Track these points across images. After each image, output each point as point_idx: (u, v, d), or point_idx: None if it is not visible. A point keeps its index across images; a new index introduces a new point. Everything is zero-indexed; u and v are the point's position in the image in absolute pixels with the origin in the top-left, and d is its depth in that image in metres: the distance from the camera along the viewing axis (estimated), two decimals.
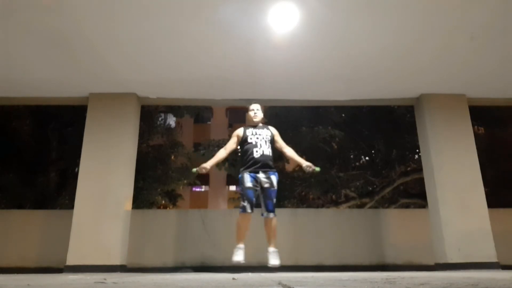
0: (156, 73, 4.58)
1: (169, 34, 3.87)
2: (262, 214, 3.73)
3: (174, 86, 4.93)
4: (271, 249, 3.69)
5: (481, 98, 5.17)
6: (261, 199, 3.74)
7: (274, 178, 3.76)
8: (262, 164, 3.74)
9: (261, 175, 3.71)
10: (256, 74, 4.64)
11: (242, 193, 3.71)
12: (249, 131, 3.92)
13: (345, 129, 9.46)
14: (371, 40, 3.99)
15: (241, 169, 3.83)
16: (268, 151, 3.81)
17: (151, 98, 5.14)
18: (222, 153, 3.93)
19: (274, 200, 3.73)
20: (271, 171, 3.77)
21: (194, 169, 3.83)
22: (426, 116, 4.98)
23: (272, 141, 3.94)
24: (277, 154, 4.20)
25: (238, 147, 4.01)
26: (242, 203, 3.66)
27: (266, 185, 3.70)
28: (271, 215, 3.70)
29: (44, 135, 9.09)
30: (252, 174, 3.71)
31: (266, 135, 3.90)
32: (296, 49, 4.14)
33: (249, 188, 3.66)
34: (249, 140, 3.85)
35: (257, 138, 3.86)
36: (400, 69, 4.55)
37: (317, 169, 3.81)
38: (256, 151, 3.77)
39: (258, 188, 3.71)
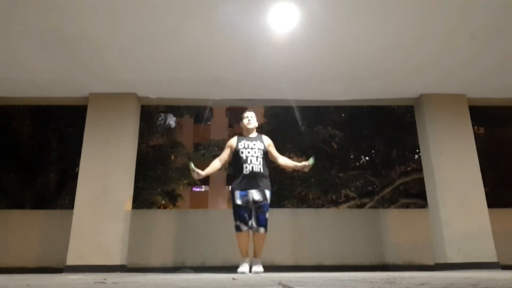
0: (156, 73, 4.58)
1: (169, 34, 3.87)
2: (251, 228, 3.59)
3: (174, 86, 4.93)
4: (256, 260, 3.67)
5: (481, 98, 5.17)
6: (252, 212, 3.60)
7: (267, 192, 3.65)
8: (252, 182, 3.62)
9: (252, 190, 3.61)
10: (256, 74, 4.64)
11: (234, 211, 3.63)
12: (242, 144, 3.78)
13: (345, 129, 9.45)
14: (371, 40, 3.99)
15: (232, 183, 3.73)
16: (259, 167, 3.65)
17: (151, 98, 5.14)
18: (217, 164, 3.81)
19: (267, 214, 3.61)
20: (262, 185, 3.64)
21: (192, 165, 3.61)
22: (426, 116, 4.98)
23: (265, 153, 3.79)
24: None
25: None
26: (235, 222, 3.59)
27: (257, 198, 3.59)
28: (262, 229, 3.57)
29: (44, 135, 9.08)
30: (242, 191, 3.61)
31: (259, 149, 3.75)
32: (296, 49, 4.13)
33: (239, 206, 3.58)
34: (240, 154, 3.71)
35: (248, 152, 3.71)
36: (400, 69, 4.55)
37: (311, 161, 3.67)
38: (246, 167, 3.64)
39: (250, 202, 3.60)
